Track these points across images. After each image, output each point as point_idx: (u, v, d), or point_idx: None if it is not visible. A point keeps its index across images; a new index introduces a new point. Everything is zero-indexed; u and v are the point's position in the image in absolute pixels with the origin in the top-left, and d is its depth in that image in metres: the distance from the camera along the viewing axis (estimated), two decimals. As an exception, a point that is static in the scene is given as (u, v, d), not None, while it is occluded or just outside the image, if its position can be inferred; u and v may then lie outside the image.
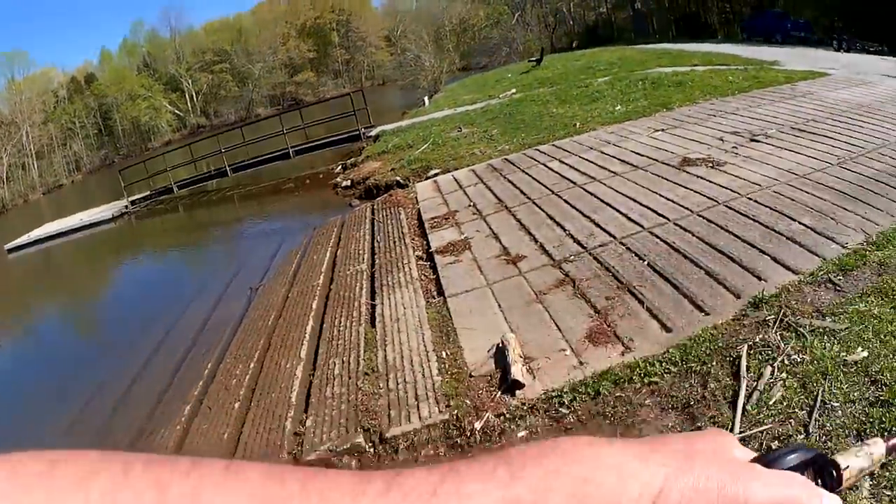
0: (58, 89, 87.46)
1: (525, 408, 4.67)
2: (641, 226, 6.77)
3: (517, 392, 4.79)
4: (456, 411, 4.81)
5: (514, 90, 20.25)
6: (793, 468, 0.59)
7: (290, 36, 78.98)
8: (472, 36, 58.36)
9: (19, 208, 76.20)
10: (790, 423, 3.77)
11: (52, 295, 20.47)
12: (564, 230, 7.28)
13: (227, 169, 22.74)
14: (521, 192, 9.21)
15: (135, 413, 8.02)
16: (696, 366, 4.42)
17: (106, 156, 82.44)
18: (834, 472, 0.62)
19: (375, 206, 11.33)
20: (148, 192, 26.33)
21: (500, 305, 6.17)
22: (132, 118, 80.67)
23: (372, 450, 4.91)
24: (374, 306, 7.26)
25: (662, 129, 10.73)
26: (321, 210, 14.54)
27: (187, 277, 15.19)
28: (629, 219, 7.05)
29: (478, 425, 4.66)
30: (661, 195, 7.49)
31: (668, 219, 6.74)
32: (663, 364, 4.51)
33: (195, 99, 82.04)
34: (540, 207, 8.29)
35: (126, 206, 26.51)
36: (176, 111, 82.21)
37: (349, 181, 14.95)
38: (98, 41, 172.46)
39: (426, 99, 25.73)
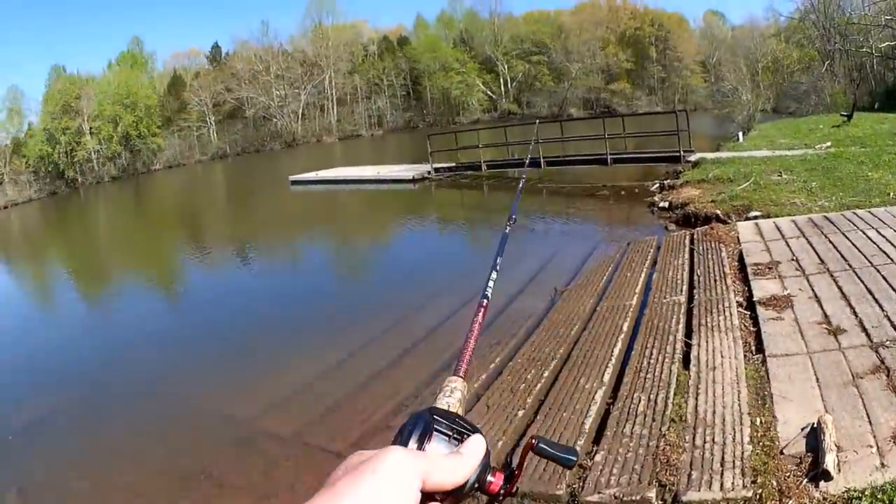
0: (368, 44, 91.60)
1: None
2: (948, 328, 6.26)
3: (821, 483, 4.29)
4: (760, 490, 4.31)
5: (828, 143, 19.56)
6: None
7: (610, 42, 78.18)
8: (783, 78, 55.18)
9: (311, 146, 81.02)
10: None
11: (326, 230, 21.56)
12: (883, 310, 6.73)
13: (542, 160, 22.61)
14: (842, 256, 8.73)
15: (397, 384, 7.84)
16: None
17: (410, 119, 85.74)
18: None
19: (695, 236, 10.94)
20: (454, 164, 27.00)
21: (817, 379, 5.55)
22: (443, 89, 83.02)
23: (660, 510, 4.43)
24: (688, 345, 6.69)
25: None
26: (633, 225, 14.29)
27: (480, 257, 14.61)
28: (939, 315, 6.51)
29: (778, 512, 4.13)
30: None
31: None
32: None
33: (509, 84, 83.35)
34: (860, 278, 7.78)
35: (429, 172, 27.27)
36: (489, 92, 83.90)
37: (667, 203, 14.62)
38: (409, 6, 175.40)
39: (740, 134, 25.25)
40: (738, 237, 10.52)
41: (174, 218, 37.34)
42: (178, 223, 33.75)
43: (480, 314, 1.93)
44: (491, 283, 2.14)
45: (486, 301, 2.14)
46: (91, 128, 79.32)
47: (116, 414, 8.66)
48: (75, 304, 17.18)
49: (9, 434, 8.46)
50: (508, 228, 3.10)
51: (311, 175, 34.44)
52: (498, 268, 2.37)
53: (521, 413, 5.98)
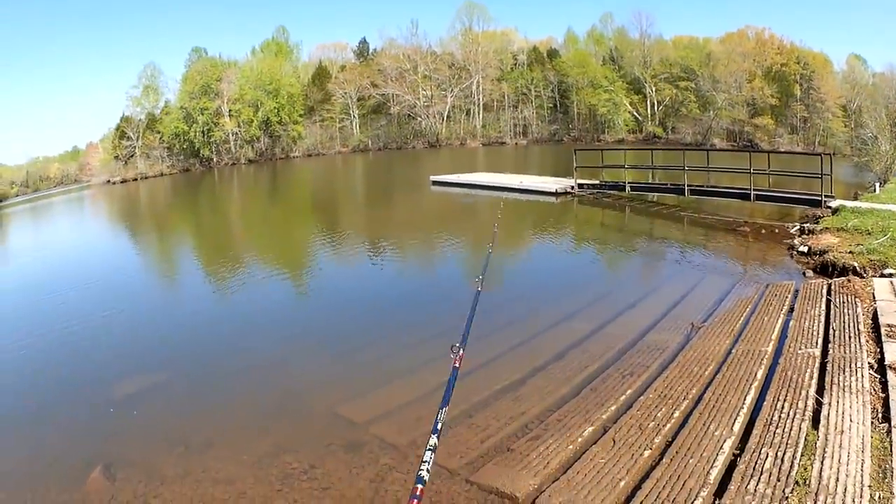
0: (517, 53, 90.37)
1: None
2: None
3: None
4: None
5: (956, 205, 18.48)
6: None
7: (756, 75, 74.64)
8: (917, 132, 51.44)
9: (454, 149, 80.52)
10: None
11: (463, 233, 20.50)
12: None
13: (686, 188, 22.14)
14: (969, 325, 8.15)
15: (522, 404, 7.27)
16: None
17: (556, 132, 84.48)
18: None
19: (832, 287, 10.43)
20: (598, 182, 26.30)
21: (936, 457, 5.12)
22: (589, 105, 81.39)
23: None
24: (819, 403, 6.20)
25: None
26: (770, 267, 13.58)
27: (617, 280, 14.38)
28: None
29: None
30: None
31: None
32: None
33: (655, 107, 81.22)
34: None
35: (572, 187, 26.61)
36: (635, 113, 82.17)
37: (807, 248, 13.92)
38: (559, 19, 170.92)
39: (877, 185, 24.04)
40: (873, 293, 9.93)
41: (309, 205, 37.43)
42: (313, 210, 33.77)
43: None
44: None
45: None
46: (230, 110, 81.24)
47: (222, 400, 8.40)
48: (199, 283, 16.93)
49: (111, 406, 8.28)
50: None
51: (453, 177, 34.33)
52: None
53: (647, 453, 5.68)
